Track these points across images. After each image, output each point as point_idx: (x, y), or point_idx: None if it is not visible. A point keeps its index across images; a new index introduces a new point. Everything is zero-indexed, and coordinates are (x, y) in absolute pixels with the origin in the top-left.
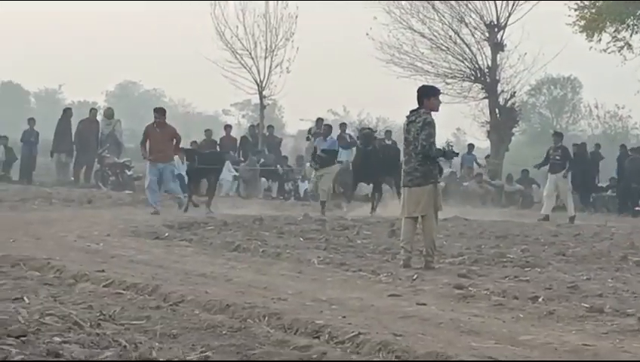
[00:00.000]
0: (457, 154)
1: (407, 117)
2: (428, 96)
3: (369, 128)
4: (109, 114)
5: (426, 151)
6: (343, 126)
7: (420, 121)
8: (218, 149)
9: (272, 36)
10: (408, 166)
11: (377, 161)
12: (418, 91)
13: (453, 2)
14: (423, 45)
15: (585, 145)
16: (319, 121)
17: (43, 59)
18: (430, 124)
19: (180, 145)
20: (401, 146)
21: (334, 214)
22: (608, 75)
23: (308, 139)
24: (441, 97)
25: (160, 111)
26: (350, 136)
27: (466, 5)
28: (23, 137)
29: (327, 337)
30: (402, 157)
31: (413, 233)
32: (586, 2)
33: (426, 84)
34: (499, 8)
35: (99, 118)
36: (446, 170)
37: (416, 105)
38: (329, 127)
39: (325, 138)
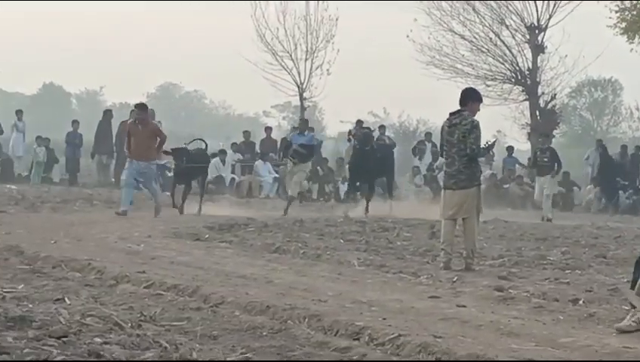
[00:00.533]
0: (492, 147)
1: (449, 119)
2: (473, 99)
3: (367, 127)
4: (150, 116)
5: (475, 154)
6: (381, 128)
7: (467, 123)
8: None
9: (313, 38)
10: (452, 168)
11: (374, 161)
12: (464, 93)
13: (493, 4)
14: (463, 47)
15: (626, 148)
16: (359, 122)
17: (84, 60)
18: (478, 127)
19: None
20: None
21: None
22: None
23: (349, 140)
24: (471, 98)
25: (141, 108)
26: (389, 138)
27: (507, 7)
28: (67, 139)
29: (367, 339)
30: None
31: (454, 235)
32: (627, 4)
33: (468, 86)
34: (539, 10)
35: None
36: (486, 172)
37: (455, 107)
38: (306, 121)
39: (303, 132)
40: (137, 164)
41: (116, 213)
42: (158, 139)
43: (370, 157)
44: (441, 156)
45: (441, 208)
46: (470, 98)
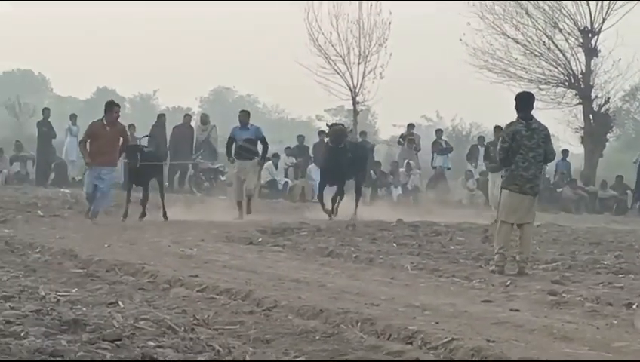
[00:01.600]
0: None
1: (527, 123)
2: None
3: (341, 124)
4: (204, 120)
5: (552, 160)
6: (439, 132)
7: (545, 129)
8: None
9: (366, 42)
10: (528, 173)
11: (346, 161)
12: (531, 98)
13: (546, 7)
14: (516, 51)
15: None
16: (410, 126)
17: (138, 64)
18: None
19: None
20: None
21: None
22: None
23: (400, 143)
24: (535, 103)
25: (115, 106)
26: (446, 142)
27: (560, 10)
28: None
29: (420, 343)
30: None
31: (510, 238)
32: None
33: (527, 91)
34: (593, 13)
35: (193, 124)
36: None
37: (509, 111)
38: (247, 114)
39: (245, 126)
40: (101, 170)
41: (93, 222)
42: (122, 140)
43: (343, 157)
44: (502, 159)
45: (506, 211)
46: (534, 102)
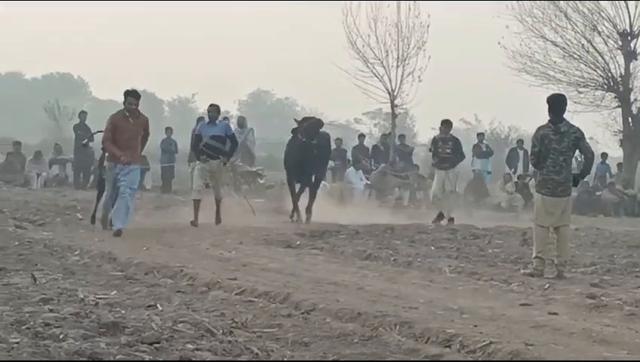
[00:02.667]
0: None
1: (555, 127)
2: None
3: (318, 119)
4: (242, 123)
5: (591, 159)
6: (480, 136)
7: (576, 131)
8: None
9: (404, 45)
10: (560, 176)
11: (314, 157)
12: (563, 101)
13: (585, 10)
14: (555, 54)
15: None
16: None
17: (177, 68)
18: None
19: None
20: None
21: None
22: None
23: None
24: (573, 106)
25: (135, 96)
26: (487, 146)
27: (599, 13)
28: (162, 146)
29: (458, 346)
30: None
31: (547, 242)
32: None
33: (558, 93)
34: (632, 16)
35: (232, 127)
36: None
37: (545, 114)
38: (216, 107)
39: (214, 121)
40: (122, 167)
41: (114, 235)
42: (144, 133)
43: (313, 152)
44: (534, 164)
45: (541, 215)
46: (566, 105)
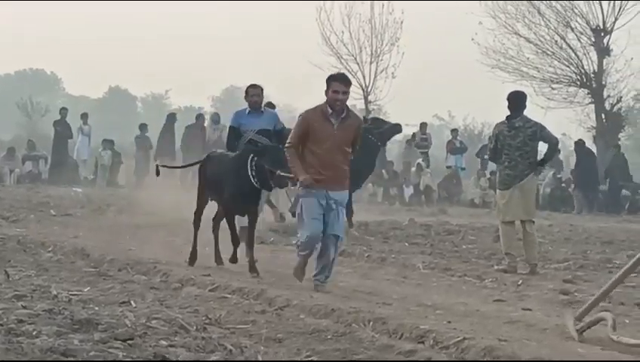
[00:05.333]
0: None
1: (510, 123)
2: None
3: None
4: (216, 119)
5: (553, 147)
6: (454, 132)
7: (533, 126)
8: None
9: (378, 41)
10: (516, 171)
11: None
12: (522, 97)
13: (558, 7)
14: (528, 50)
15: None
16: (423, 125)
17: (150, 64)
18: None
19: None
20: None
21: None
22: None
23: (408, 143)
24: (547, 102)
25: (344, 81)
26: (461, 142)
27: (572, 10)
28: (136, 142)
29: (431, 342)
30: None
31: (515, 238)
32: None
33: (518, 90)
34: (605, 13)
35: (206, 124)
36: (550, 174)
37: (506, 110)
38: (260, 89)
39: (257, 110)
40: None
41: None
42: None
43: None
44: (491, 159)
45: (502, 211)
46: (526, 101)
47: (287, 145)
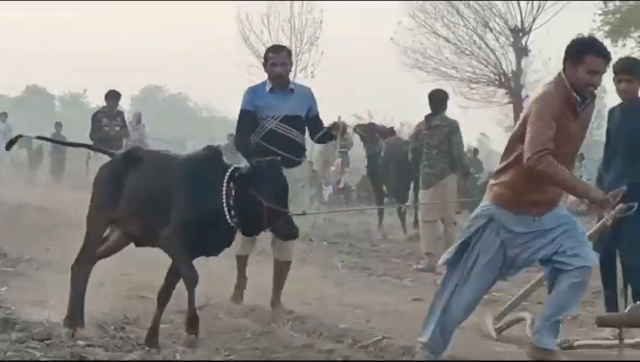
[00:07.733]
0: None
1: (428, 122)
2: (446, 101)
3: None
4: (139, 118)
5: (461, 155)
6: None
7: (449, 126)
8: None
9: (297, 41)
10: (436, 169)
11: None
12: (444, 96)
13: (477, 7)
14: (447, 50)
15: None
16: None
17: (68, 62)
18: (459, 129)
19: None
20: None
21: None
22: None
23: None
24: (465, 102)
25: None
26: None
27: (491, 10)
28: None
29: (350, 341)
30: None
31: (435, 236)
32: (611, 7)
33: (439, 88)
34: (523, 13)
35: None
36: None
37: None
38: (288, 51)
39: (284, 87)
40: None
41: None
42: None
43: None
44: (410, 159)
45: (424, 209)
46: (447, 101)
47: (540, 151)
